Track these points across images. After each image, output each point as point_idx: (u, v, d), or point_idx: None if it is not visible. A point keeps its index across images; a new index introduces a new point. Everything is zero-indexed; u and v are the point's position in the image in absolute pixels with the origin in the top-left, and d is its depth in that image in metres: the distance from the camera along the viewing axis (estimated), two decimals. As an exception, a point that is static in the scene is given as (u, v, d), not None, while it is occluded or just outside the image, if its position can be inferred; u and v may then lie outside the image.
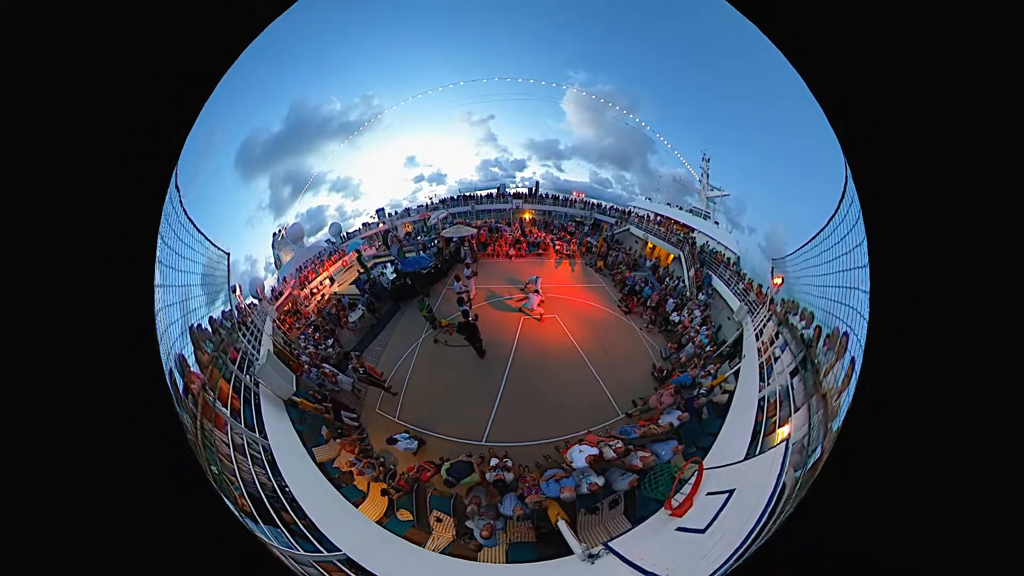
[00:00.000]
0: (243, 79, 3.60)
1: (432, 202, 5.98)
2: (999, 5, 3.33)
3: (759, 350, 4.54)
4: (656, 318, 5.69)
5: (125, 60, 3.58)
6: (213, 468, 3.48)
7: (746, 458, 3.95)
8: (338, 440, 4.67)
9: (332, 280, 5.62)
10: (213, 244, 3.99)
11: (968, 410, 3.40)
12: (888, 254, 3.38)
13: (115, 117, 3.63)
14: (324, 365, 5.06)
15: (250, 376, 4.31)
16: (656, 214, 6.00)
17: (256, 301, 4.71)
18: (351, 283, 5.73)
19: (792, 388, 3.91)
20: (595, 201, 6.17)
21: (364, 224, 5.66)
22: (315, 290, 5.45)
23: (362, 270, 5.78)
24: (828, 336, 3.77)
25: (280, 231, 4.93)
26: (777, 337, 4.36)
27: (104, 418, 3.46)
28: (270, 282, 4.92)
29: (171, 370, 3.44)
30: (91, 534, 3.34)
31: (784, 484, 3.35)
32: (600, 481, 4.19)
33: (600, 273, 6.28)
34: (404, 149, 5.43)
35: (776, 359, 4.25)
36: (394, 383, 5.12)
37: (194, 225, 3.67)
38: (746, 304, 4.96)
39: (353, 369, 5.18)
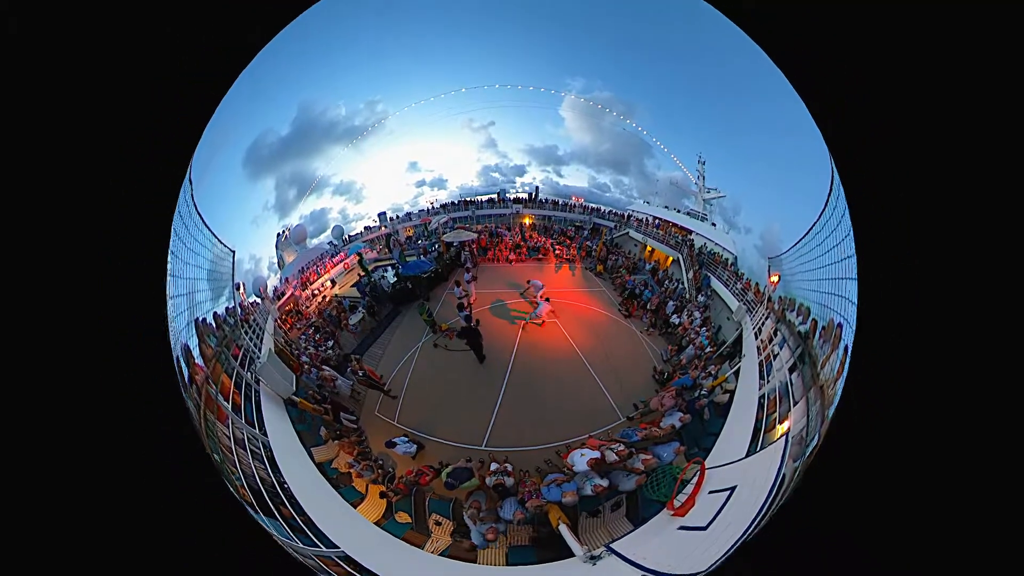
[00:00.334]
0: (258, 79, 3.72)
1: (433, 207, 6.06)
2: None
3: (758, 348, 4.56)
4: (656, 321, 5.71)
5: (159, 55, 3.80)
6: (215, 456, 3.48)
7: (747, 455, 3.93)
8: (337, 441, 4.65)
9: (333, 282, 5.66)
10: (220, 240, 4.06)
11: (954, 389, 3.47)
12: (873, 243, 3.49)
13: (144, 110, 3.86)
14: (324, 367, 5.07)
15: (251, 373, 4.33)
16: (654, 217, 6.07)
17: (259, 300, 4.75)
18: (352, 285, 5.77)
19: (791, 383, 3.91)
20: (594, 206, 6.23)
21: (366, 228, 5.73)
22: (316, 291, 5.49)
23: (363, 273, 5.82)
24: (823, 328, 3.80)
25: (284, 232, 5.00)
26: (776, 334, 4.38)
27: (119, 396, 3.58)
28: (273, 282, 4.97)
29: (178, 358, 3.48)
30: (100, 505, 3.44)
31: (784, 475, 3.34)
32: (604, 483, 4.16)
33: (600, 277, 6.32)
34: (406, 154, 5.53)
35: (775, 356, 4.27)
36: (393, 386, 5.11)
37: (203, 220, 3.75)
38: (745, 303, 4.99)
39: (352, 372, 5.18)
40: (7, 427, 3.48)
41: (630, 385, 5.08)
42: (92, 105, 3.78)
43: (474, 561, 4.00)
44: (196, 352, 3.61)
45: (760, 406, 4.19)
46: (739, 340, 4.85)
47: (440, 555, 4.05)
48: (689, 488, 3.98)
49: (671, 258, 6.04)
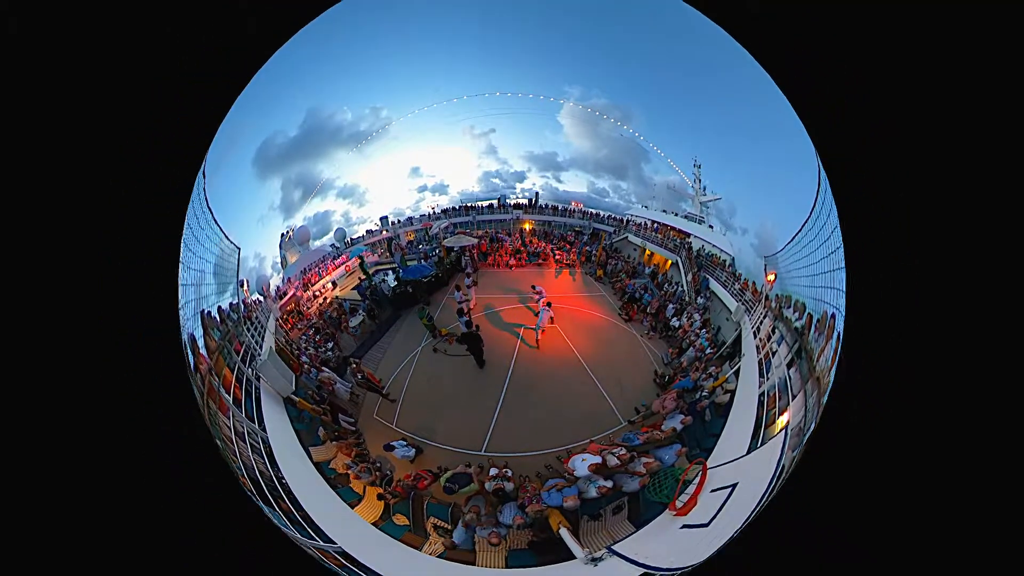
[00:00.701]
0: (272, 82, 3.86)
1: (434, 212, 6.13)
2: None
3: (757, 347, 4.57)
4: (657, 324, 5.72)
5: (180, 53, 4.00)
6: (217, 442, 3.48)
7: (748, 452, 3.91)
8: (335, 442, 4.62)
9: (334, 284, 5.71)
10: (227, 237, 4.13)
11: (949, 382, 3.50)
12: (860, 232, 3.58)
13: (169, 105, 4.04)
14: (323, 369, 5.07)
15: (252, 370, 4.34)
16: (653, 221, 6.14)
17: (261, 298, 4.80)
18: (353, 288, 5.81)
19: (789, 378, 3.92)
20: (593, 211, 6.30)
21: (368, 231, 5.79)
22: (318, 293, 5.53)
23: (364, 276, 5.87)
24: (818, 321, 3.84)
25: (288, 232, 5.07)
26: (774, 332, 4.40)
27: (132, 375, 3.69)
28: (275, 281, 5.02)
29: (184, 344, 3.52)
30: (109, 481, 3.49)
31: (783, 466, 3.33)
32: (609, 484, 4.11)
33: (600, 282, 6.35)
34: (409, 159, 5.63)
35: (774, 353, 4.28)
36: (393, 390, 5.10)
37: (212, 215, 3.84)
38: (743, 304, 5.02)
39: (351, 374, 5.17)
40: (25, 408, 3.56)
41: (631, 389, 5.07)
42: (121, 97, 3.97)
43: (472, 563, 3.93)
44: (201, 343, 3.65)
45: (760, 404, 4.19)
46: (738, 340, 4.86)
47: (438, 557, 3.99)
48: (691, 488, 3.95)
49: (670, 261, 6.09)
